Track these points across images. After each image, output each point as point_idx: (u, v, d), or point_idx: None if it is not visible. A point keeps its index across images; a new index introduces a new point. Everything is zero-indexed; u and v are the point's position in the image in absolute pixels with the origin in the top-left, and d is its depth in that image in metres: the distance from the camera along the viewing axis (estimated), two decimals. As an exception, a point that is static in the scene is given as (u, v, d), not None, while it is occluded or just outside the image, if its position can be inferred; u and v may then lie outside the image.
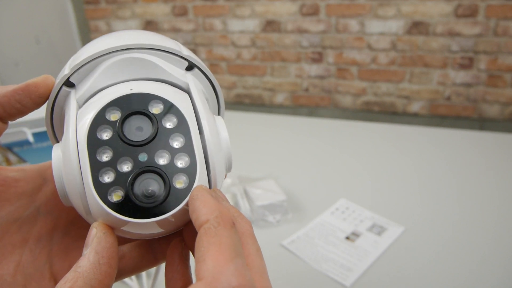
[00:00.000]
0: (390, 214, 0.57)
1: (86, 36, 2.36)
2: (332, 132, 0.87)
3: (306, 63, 2.07)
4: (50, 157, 0.19)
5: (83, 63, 0.18)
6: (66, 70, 0.19)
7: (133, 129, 0.17)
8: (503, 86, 1.85)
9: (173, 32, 2.21)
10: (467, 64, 1.85)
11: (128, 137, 0.17)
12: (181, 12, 2.15)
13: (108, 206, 0.16)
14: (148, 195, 0.16)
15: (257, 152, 0.77)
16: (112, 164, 0.16)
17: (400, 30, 1.87)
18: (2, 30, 1.79)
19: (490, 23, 1.75)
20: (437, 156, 0.76)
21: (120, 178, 0.16)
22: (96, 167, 0.16)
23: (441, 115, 1.99)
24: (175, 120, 0.17)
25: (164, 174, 0.17)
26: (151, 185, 0.17)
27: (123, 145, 0.17)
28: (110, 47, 0.18)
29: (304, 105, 2.18)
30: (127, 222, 0.16)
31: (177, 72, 0.19)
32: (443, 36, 1.83)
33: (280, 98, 2.20)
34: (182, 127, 0.17)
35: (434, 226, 0.55)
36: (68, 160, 0.17)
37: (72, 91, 0.19)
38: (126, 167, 0.17)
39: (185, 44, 2.22)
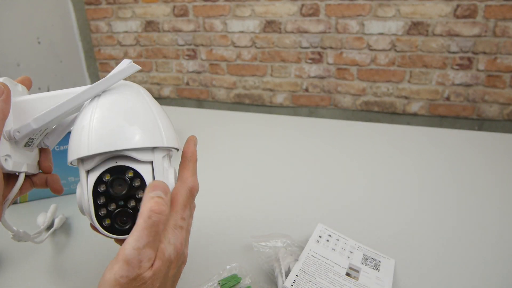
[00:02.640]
0: (387, 215, 0.58)
1: (87, 36, 2.36)
2: (332, 132, 0.88)
3: (306, 63, 2.08)
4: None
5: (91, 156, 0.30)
6: (81, 153, 0.30)
7: (117, 185, 0.30)
8: (502, 86, 1.86)
9: (173, 32, 2.22)
10: (466, 64, 1.86)
11: (113, 190, 0.29)
12: (182, 13, 2.16)
13: (102, 227, 0.30)
14: (123, 223, 0.30)
15: (257, 152, 0.78)
16: (104, 205, 0.30)
17: (399, 30, 1.87)
18: (3, 30, 1.79)
19: (489, 24, 1.76)
20: (437, 156, 0.76)
21: (109, 213, 0.30)
22: (96, 206, 0.30)
23: (441, 115, 2.00)
24: (139, 181, 0.30)
25: (131, 212, 0.30)
26: (125, 217, 0.30)
27: (110, 195, 0.30)
28: (107, 150, 0.29)
29: (304, 105, 2.18)
30: (111, 236, 0.30)
31: (145, 156, 0.30)
32: (442, 36, 1.83)
33: (280, 98, 2.21)
34: (142, 185, 0.30)
35: (434, 227, 0.55)
36: (84, 199, 0.30)
37: (81, 165, 0.31)
38: (112, 207, 0.30)
39: (185, 44, 2.23)
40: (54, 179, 0.39)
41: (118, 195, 0.29)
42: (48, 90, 2.09)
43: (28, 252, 0.48)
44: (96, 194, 0.30)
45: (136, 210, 0.30)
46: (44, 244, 0.50)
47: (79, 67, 2.39)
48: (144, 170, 0.30)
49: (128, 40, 2.33)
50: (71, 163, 0.32)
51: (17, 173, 0.35)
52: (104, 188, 0.29)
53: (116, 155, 0.30)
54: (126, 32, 2.31)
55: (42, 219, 0.51)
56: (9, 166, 0.32)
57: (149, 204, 0.27)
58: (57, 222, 0.52)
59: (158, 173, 0.30)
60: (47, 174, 0.39)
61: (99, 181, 0.30)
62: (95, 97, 0.31)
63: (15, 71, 1.87)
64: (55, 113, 0.32)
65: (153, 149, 0.30)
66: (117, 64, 2.47)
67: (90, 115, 0.30)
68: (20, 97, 0.33)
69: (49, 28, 2.10)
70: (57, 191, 0.39)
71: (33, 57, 1.99)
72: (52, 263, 0.46)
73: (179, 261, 0.29)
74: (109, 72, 2.32)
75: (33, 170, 0.37)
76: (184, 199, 0.30)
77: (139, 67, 0.32)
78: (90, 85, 0.31)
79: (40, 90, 2.01)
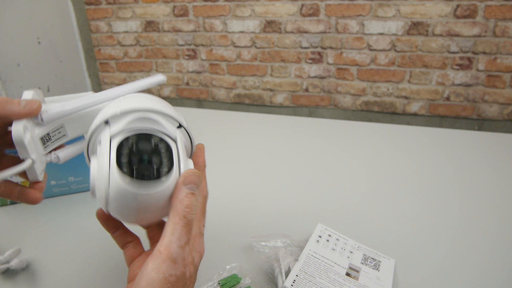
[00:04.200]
0: (387, 215, 0.58)
1: (87, 36, 2.36)
2: (332, 132, 0.88)
3: (306, 63, 2.08)
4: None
5: (119, 115, 0.30)
6: (107, 114, 0.30)
7: (143, 145, 0.29)
8: (502, 86, 1.86)
9: (173, 32, 2.22)
10: (466, 64, 1.86)
11: (139, 147, 0.29)
12: (182, 13, 2.16)
13: (122, 171, 0.27)
14: (146, 174, 0.28)
15: (257, 152, 0.78)
16: (128, 163, 0.28)
17: (399, 30, 1.87)
18: (3, 30, 1.79)
19: (489, 24, 1.76)
20: (437, 156, 0.76)
21: (131, 168, 0.28)
22: (119, 162, 0.28)
23: (440, 115, 2.00)
24: (164, 147, 0.29)
25: (156, 167, 0.28)
26: (149, 170, 0.28)
27: (136, 152, 0.29)
28: (137, 108, 0.30)
29: (304, 105, 2.18)
30: (136, 183, 0.28)
31: (171, 128, 0.31)
32: (442, 36, 1.83)
33: (280, 98, 2.21)
34: (169, 151, 0.30)
35: (434, 227, 0.55)
36: (104, 164, 0.28)
37: (107, 127, 0.30)
38: (136, 163, 0.28)
39: (185, 44, 2.23)
40: (38, 186, 0.35)
41: (145, 150, 0.29)
42: (48, 90, 2.09)
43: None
44: (119, 156, 0.28)
45: (158, 171, 0.28)
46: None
47: (79, 67, 2.39)
48: (171, 137, 0.31)
49: (128, 40, 2.33)
50: (94, 131, 0.31)
51: (24, 158, 0.32)
52: (130, 147, 0.28)
53: (142, 129, 0.30)
54: (126, 32, 2.31)
55: None
56: (26, 138, 0.30)
57: (184, 201, 0.27)
58: (15, 263, 0.44)
59: (182, 151, 0.30)
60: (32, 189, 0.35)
61: (122, 145, 0.28)
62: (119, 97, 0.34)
63: (15, 71, 1.87)
64: (82, 102, 0.34)
65: (178, 127, 0.32)
66: (117, 64, 2.46)
67: (117, 99, 0.33)
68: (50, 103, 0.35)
69: (49, 28, 2.10)
70: (34, 201, 0.34)
71: (33, 57, 1.99)
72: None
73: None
74: (109, 72, 2.32)
75: (40, 175, 0.34)
76: (203, 206, 0.32)
77: (164, 79, 0.37)
78: (115, 87, 0.35)
79: (40, 90, 2.01)
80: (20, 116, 0.30)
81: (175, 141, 0.31)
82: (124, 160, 0.28)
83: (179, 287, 0.26)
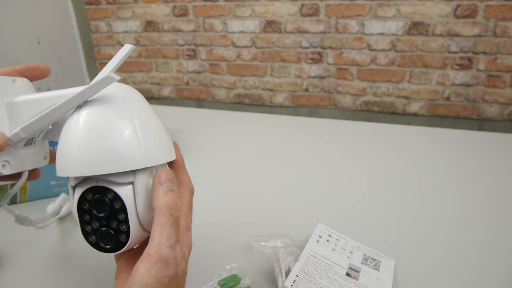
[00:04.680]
0: (387, 215, 0.58)
1: (87, 36, 2.36)
2: (332, 132, 0.88)
3: (306, 63, 2.07)
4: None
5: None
6: (60, 173, 0.30)
7: (99, 205, 0.29)
8: (502, 86, 1.86)
9: (173, 32, 2.22)
10: (467, 64, 1.86)
11: (95, 210, 0.29)
12: (181, 13, 2.16)
13: (88, 242, 0.30)
14: (107, 241, 0.30)
15: (257, 152, 0.78)
16: (89, 223, 0.30)
17: (399, 30, 1.87)
18: (3, 30, 1.79)
19: (489, 24, 1.76)
20: (437, 156, 0.76)
21: (94, 231, 0.30)
22: (82, 221, 0.30)
23: (441, 115, 2.00)
24: (119, 203, 0.29)
25: (113, 233, 0.29)
26: (108, 236, 0.30)
27: (94, 214, 0.29)
28: (84, 176, 0.29)
29: (304, 105, 2.18)
30: (99, 251, 0.30)
31: (125, 177, 0.29)
32: (442, 36, 1.83)
33: (280, 98, 2.21)
34: (123, 208, 0.29)
35: (434, 227, 0.55)
36: (73, 213, 0.31)
37: (67, 179, 0.31)
38: (96, 225, 0.30)
39: (185, 44, 2.23)
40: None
41: (100, 215, 0.29)
42: (48, 90, 2.09)
43: (32, 239, 0.48)
44: (81, 211, 0.30)
45: (118, 230, 0.29)
46: (49, 231, 0.50)
47: (79, 67, 2.39)
48: (125, 192, 0.29)
49: (128, 40, 2.33)
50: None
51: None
52: (88, 206, 0.29)
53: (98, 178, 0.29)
54: (126, 32, 2.31)
55: (51, 207, 0.53)
56: (7, 171, 0.32)
57: (165, 200, 0.27)
58: (63, 210, 0.53)
59: (141, 194, 0.29)
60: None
61: (83, 198, 0.29)
62: (78, 106, 0.30)
63: (15, 71, 1.87)
64: (40, 123, 0.31)
65: (134, 171, 0.29)
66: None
67: (71, 132, 0.29)
68: (16, 98, 0.32)
69: (49, 28, 2.10)
70: (36, 176, 0.39)
71: (33, 57, 1.99)
72: (55, 249, 0.46)
73: None
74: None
75: (39, 163, 0.37)
76: (189, 201, 0.32)
77: (118, 78, 0.29)
78: (73, 95, 0.29)
79: (40, 90, 2.01)
80: None
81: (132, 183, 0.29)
82: (87, 218, 0.30)
83: (172, 287, 0.26)
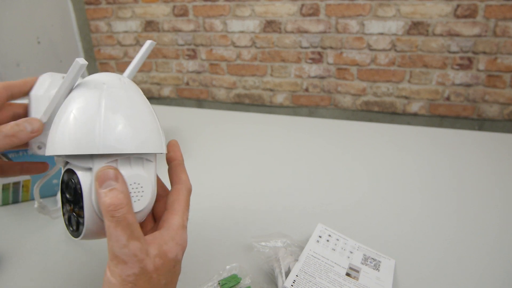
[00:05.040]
0: (387, 215, 0.58)
1: (87, 36, 2.36)
2: (332, 132, 0.88)
3: (306, 63, 2.07)
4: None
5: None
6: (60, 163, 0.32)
7: (69, 187, 0.30)
8: (502, 86, 1.86)
9: (173, 32, 2.22)
10: (467, 64, 1.86)
11: (66, 192, 0.30)
12: (181, 13, 2.16)
13: (65, 224, 0.32)
14: (72, 225, 0.30)
15: (257, 152, 0.78)
16: (64, 204, 0.32)
17: (399, 30, 1.87)
18: (3, 30, 1.79)
19: (489, 24, 1.76)
20: (437, 156, 0.76)
21: (63, 214, 0.32)
22: (62, 202, 0.32)
23: (441, 115, 2.00)
24: (80, 188, 0.29)
25: (76, 218, 0.30)
26: (73, 221, 0.30)
27: (65, 197, 0.31)
28: (50, 155, 0.30)
29: (304, 105, 2.18)
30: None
31: (83, 162, 0.29)
32: (442, 36, 1.83)
33: (280, 98, 2.21)
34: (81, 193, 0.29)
35: (434, 227, 0.55)
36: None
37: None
38: (67, 208, 0.31)
39: (185, 44, 2.23)
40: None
41: (69, 198, 0.30)
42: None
43: (32, 239, 0.48)
44: (62, 192, 0.31)
45: (78, 215, 0.29)
46: (50, 230, 0.50)
47: (79, 67, 2.39)
48: (82, 177, 0.28)
49: (128, 40, 2.33)
50: None
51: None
52: (63, 188, 0.31)
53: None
54: (126, 32, 2.31)
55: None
56: (42, 152, 0.35)
57: (105, 202, 0.26)
58: None
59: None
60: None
61: (62, 180, 0.31)
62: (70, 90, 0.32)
63: (15, 71, 1.87)
64: (49, 109, 0.33)
65: (92, 156, 0.28)
66: (116, 64, 2.46)
67: (57, 114, 0.31)
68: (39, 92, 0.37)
69: (49, 28, 2.10)
70: (44, 168, 0.41)
71: (33, 57, 1.99)
72: (55, 249, 0.46)
73: (181, 259, 0.30)
74: (109, 72, 2.32)
75: None
76: (186, 199, 0.31)
77: (85, 63, 0.31)
78: (60, 85, 0.31)
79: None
80: (29, 139, 0.32)
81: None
82: (63, 199, 0.31)
83: (144, 283, 0.26)
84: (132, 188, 0.29)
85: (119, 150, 0.28)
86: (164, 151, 0.32)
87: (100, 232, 0.29)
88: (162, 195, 0.35)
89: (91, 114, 0.28)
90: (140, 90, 0.33)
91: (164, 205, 0.32)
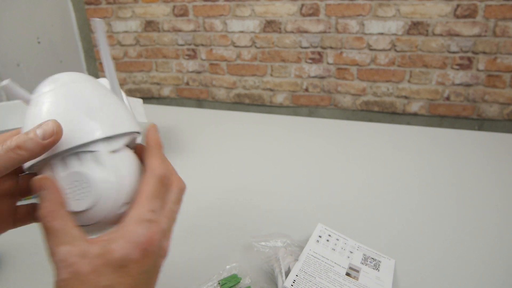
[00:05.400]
0: (387, 215, 0.58)
1: (87, 36, 2.36)
2: (332, 132, 0.88)
3: (306, 63, 2.07)
4: None
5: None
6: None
7: None
8: (502, 86, 1.86)
9: (173, 32, 2.22)
10: (466, 64, 1.86)
11: None
12: (181, 13, 2.15)
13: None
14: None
15: (257, 152, 0.78)
16: None
17: (399, 30, 1.87)
18: (3, 30, 1.79)
19: (489, 24, 1.76)
20: (437, 156, 0.76)
21: None
22: None
23: (441, 115, 2.00)
24: None
25: None
26: None
27: None
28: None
29: (304, 105, 2.18)
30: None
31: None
32: (442, 36, 1.83)
33: (280, 98, 2.21)
34: None
35: (434, 227, 0.55)
36: None
37: None
38: None
39: (185, 44, 2.23)
40: None
41: None
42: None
43: (32, 238, 0.48)
44: None
45: None
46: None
47: (79, 67, 2.39)
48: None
49: (128, 40, 2.33)
50: None
51: None
52: None
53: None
54: (126, 32, 2.31)
55: None
56: None
57: (39, 212, 0.26)
58: None
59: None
60: None
61: None
62: None
63: (15, 71, 1.87)
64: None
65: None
66: (116, 64, 2.46)
67: None
68: None
69: (49, 28, 2.10)
70: None
71: (33, 57, 1.99)
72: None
73: (150, 257, 0.26)
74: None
75: None
76: (152, 189, 0.27)
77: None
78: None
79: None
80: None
81: None
82: None
83: (76, 286, 0.24)
84: (70, 188, 0.26)
85: (51, 152, 0.26)
86: (107, 134, 0.27)
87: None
88: None
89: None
90: (98, 81, 0.31)
91: None
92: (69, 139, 0.26)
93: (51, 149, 0.26)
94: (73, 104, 0.27)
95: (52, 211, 0.25)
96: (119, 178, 0.27)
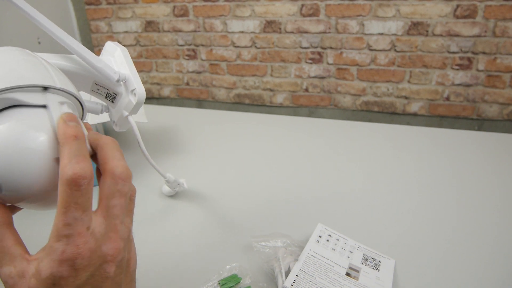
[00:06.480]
0: (387, 215, 0.58)
1: (87, 36, 2.36)
2: (332, 132, 0.88)
3: (306, 63, 2.08)
4: None
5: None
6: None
7: None
8: (502, 86, 1.86)
9: (174, 32, 2.22)
10: (466, 64, 1.86)
11: None
12: (182, 13, 2.16)
13: None
14: None
15: (257, 152, 0.78)
16: None
17: (399, 30, 1.87)
18: (3, 30, 1.80)
19: (489, 24, 1.76)
20: (436, 156, 0.76)
21: None
22: None
23: (440, 115, 2.00)
24: None
25: None
26: None
27: None
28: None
29: (304, 105, 2.18)
30: None
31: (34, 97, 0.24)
32: (442, 36, 1.83)
33: (280, 98, 2.21)
34: None
35: (434, 227, 0.55)
36: None
37: None
38: None
39: (185, 44, 2.23)
40: None
41: None
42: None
43: (32, 238, 0.48)
44: None
45: None
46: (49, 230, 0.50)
47: (79, 67, 2.39)
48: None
49: (128, 40, 2.33)
50: None
51: None
52: None
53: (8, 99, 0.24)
54: (126, 32, 2.31)
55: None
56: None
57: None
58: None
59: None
60: None
61: None
62: None
63: (15, 71, 1.87)
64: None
65: (45, 89, 0.25)
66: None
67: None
68: None
69: (49, 28, 2.10)
70: None
71: (33, 57, 1.98)
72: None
73: (85, 269, 0.23)
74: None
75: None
76: (63, 197, 0.23)
77: None
78: None
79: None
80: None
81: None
82: None
83: None
84: None
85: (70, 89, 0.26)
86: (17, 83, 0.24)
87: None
88: None
89: (35, 58, 0.27)
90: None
91: None
92: None
93: None
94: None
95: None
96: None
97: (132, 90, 0.41)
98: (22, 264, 0.24)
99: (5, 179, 0.23)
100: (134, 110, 0.42)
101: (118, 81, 0.39)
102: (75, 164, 0.23)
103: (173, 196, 0.60)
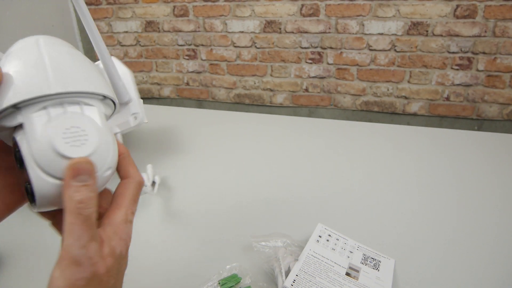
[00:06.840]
0: (387, 215, 0.58)
1: (87, 36, 2.36)
2: (332, 132, 0.88)
3: (306, 63, 2.08)
4: None
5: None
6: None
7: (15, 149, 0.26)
8: (501, 86, 1.86)
9: (174, 32, 2.22)
10: (466, 64, 1.86)
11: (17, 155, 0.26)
12: (182, 13, 2.16)
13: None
14: (26, 191, 0.26)
15: (257, 152, 0.78)
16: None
17: (399, 30, 1.87)
18: (3, 30, 1.80)
19: (489, 24, 1.76)
20: (436, 156, 0.76)
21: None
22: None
23: (440, 115, 2.00)
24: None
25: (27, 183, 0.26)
26: (27, 187, 0.26)
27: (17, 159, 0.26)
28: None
29: (304, 105, 2.18)
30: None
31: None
32: (442, 36, 1.83)
33: (280, 98, 2.21)
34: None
35: (434, 226, 0.55)
36: None
37: None
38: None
39: (185, 44, 2.23)
40: None
41: (18, 160, 0.26)
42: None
43: (32, 238, 0.48)
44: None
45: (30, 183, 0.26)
46: (49, 230, 0.50)
47: (79, 67, 2.40)
48: (17, 135, 0.26)
49: (128, 40, 2.33)
50: None
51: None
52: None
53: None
54: (126, 32, 2.31)
55: (145, 177, 0.61)
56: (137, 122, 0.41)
57: (75, 198, 0.24)
58: (157, 179, 0.63)
59: (32, 138, 0.25)
60: None
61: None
62: None
63: (15, 71, 1.87)
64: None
65: (19, 108, 0.25)
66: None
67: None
68: None
69: (49, 28, 2.10)
70: None
71: (33, 57, 1.99)
72: (56, 248, 0.46)
73: (127, 255, 0.28)
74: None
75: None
76: (134, 193, 0.30)
77: None
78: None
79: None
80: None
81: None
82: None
83: (93, 286, 0.24)
84: (71, 133, 0.25)
85: (67, 88, 0.26)
86: (113, 97, 0.29)
87: (54, 199, 0.26)
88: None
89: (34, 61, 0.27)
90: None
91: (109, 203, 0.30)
92: (66, 83, 0.26)
93: (43, 89, 0.25)
94: (90, 63, 0.29)
95: (95, 204, 0.26)
96: (111, 136, 0.28)
97: (134, 114, 0.42)
98: (100, 244, 0.26)
99: (110, 160, 0.28)
100: (126, 130, 0.43)
101: (126, 103, 0.40)
102: (139, 174, 0.31)
103: (173, 196, 0.60)
